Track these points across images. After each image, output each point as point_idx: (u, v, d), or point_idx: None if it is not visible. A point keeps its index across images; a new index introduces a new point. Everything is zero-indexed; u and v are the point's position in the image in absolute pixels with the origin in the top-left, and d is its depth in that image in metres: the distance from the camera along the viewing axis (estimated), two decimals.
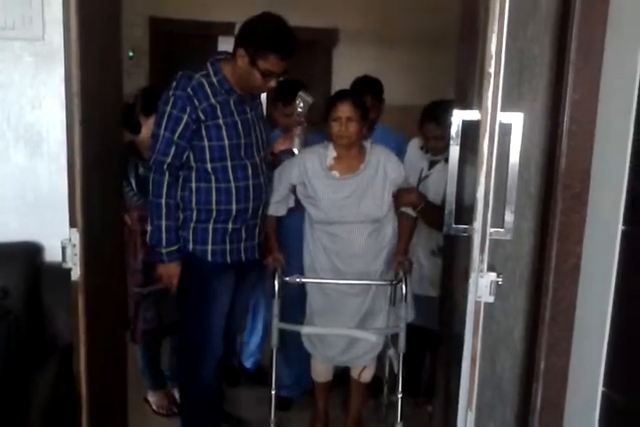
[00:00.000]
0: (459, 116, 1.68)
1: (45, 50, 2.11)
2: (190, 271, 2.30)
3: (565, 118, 1.74)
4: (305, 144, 2.58)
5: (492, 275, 1.59)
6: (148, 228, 2.28)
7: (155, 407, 2.95)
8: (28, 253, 2.18)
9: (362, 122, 2.39)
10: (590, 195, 1.75)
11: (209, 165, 2.23)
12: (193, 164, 2.24)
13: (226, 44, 4.20)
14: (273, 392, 2.42)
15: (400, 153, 2.66)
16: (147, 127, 2.61)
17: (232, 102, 2.25)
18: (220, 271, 2.33)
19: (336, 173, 2.43)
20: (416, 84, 4.49)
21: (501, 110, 1.55)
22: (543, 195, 1.87)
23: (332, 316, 2.50)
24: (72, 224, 1.83)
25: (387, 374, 2.69)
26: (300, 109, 2.56)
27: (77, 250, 1.83)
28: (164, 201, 2.21)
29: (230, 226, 2.30)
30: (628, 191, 1.59)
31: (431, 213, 2.45)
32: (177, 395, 2.88)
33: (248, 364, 3.20)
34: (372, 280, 2.47)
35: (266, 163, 2.41)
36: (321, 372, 2.69)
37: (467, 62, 1.92)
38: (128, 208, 2.67)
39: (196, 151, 2.22)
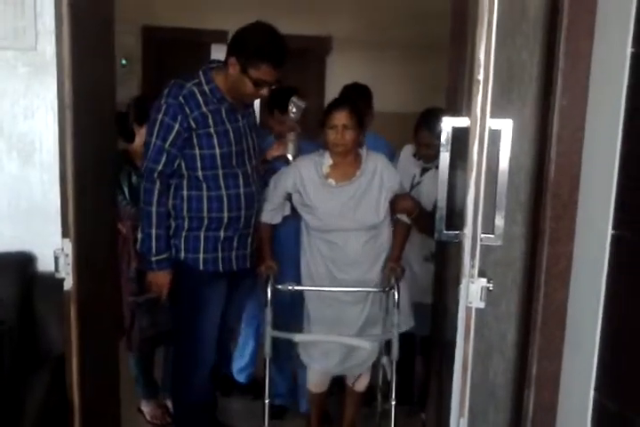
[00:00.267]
0: (449, 123, 1.69)
1: (38, 60, 2.12)
2: (182, 280, 2.30)
3: (554, 125, 1.75)
4: (299, 151, 2.58)
5: (483, 280, 1.60)
6: (139, 235, 2.28)
7: (148, 417, 2.94)
8: (21, 262, 2.18)
9: (358, 130, 2.39)
10: (580, 199, 1.77)
11: (200, 173, 2.24)
12: (184, 172, 2.24)
13: (218, 52, 4.22)
14: (266, 401, 2.42)
15: (390, 160, 2.68)
16: (140, 136, 2.61)
17: (224, 111, 2.26)
18: (211, 280, 2.33)
19: (332, 181, 2.43)
20: (409, 91, 4.52)
21: (491, 117, 1.57)
22: (533, 201, 1.89)
23: (332, 325, 2.48)
24: (64, 234, 1.84)
25: (380, 382, 2.69)
26: (292, 115, 2.57)
27: (70, 260, 1.84)
28: (154, 209, 2.21)
29: (222, 234, 2.30)
30: (617, 195, 1.60)
31: (424, 220, 2.46)
32: (170, 405, 2.87)
33: (241, 378, 3.17)
34: (370, 288, 2.46)
35: (257, 171, 2.41)
36: (318, 383, 2.67)
37: (457, 70, 1.94)
38: (122, 217, 2.67)
39: (188, 159, 2.23)
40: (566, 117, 1.74)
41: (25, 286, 2.13)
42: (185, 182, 2.25)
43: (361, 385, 2.66)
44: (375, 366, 2.66)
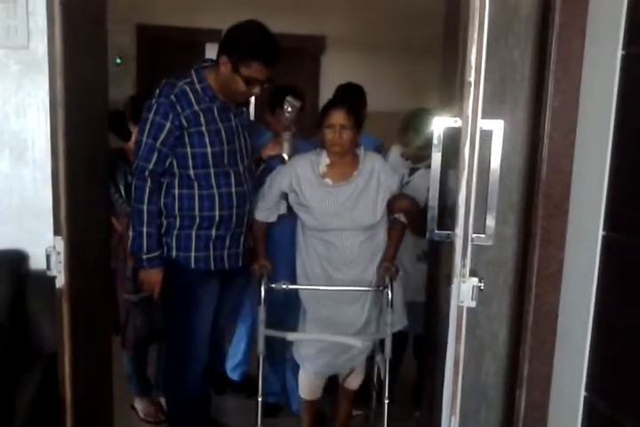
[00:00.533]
0: (441, 124, 1.70)
1: (30, 59, 2.11)
2: (174, 278, 2.30)
3: (546, 125, 1.76)
4: (294, 150, 2.58)
5: (474, 280, 1.60)
6: (130, 233, 2.28)
7: (142, 415, 2.94)
8: (13, 260, 2.17)
9: (355, 130, 2.39)
10: (571, 201, 1.78)
11: (192, 172, 2.24)
12: (176, 170, 2.24)
13: (213, 51, 4.17)
14: (259, 399, 2.42)
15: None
16: (136, 134, 2.61)
17: (216, 109, 2.26)
18: (203, 278, 2.33)
19: (329, 181, 2.42)
20: (403, 91, 4.53)
21: (483, 118, 1.57)
22: (525, 201, 1.89)
23: (327, 325, 2.47)
24: (56, 232, 1.84)
25: (375, 381, 2.69)
26: (287, 114, 2.57)
27: (62, 258, 1.84)
28: (145, 207, 2.21)
29: (214, 233, 2.30)
30: (607, 197, 1.61)
31: (418, 220, 2.47)
32: (163, 402, 2.87)
33: (234, 376, 3.17)
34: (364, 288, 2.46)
35: (250, 170, 2.41)
36: (310, 388, 2.64)
37: (450, 70, 1.95)
38: (118, 215, 2.67)
39: (180, 158, 2.23)
40: (558, 118, 1.75)
41: (17, 283, 2.12)
42: (176, 181, 2.25)
43: (353, 383, 2.66)
44: (369, 365, 2.66)
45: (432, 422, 2.02)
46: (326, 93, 3.21)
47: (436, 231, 1.75)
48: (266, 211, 2.49)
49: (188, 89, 2.21)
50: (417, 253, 2.73)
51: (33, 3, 2.07)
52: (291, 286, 2.46)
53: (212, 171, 2.25)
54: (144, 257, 2.25)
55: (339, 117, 2.35)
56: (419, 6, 4.12)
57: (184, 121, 2.18)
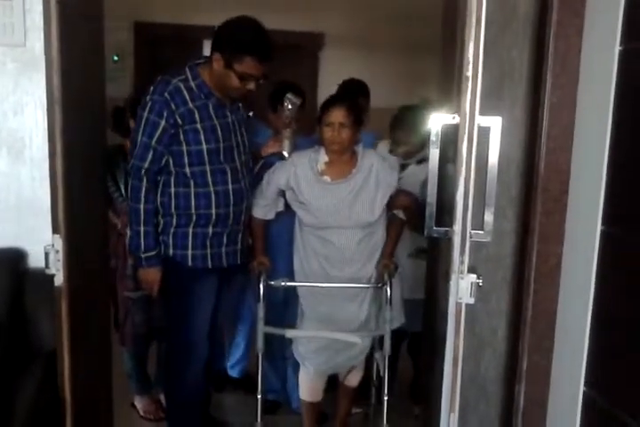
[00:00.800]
0: (438, 120, 1.69)
1: (27, 56, 2.10)
2: (171, 276, 2.30)
3: (544, 122, 1.76)
4: (295, 147, 2.57)
5: (473, 276, 1.61)
6: (127, 233, 2.28)
7: (142, 413, 2.95)
8: (12, 259, 2.17)
9: (355, 127, 2.36)
10: (569, 196, 1.78)
11: (188, 170, 2.23)
12: (172, 169, 2.24)
13: None
14: (259, 396, 2.42)
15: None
16: None
17: (211, 106, 2.25)
18: (201, 276, 2.33)
19: (327, 178, 2.40)
20: (401, 87, 4.51)
21: (481, 114, 1.57)
22: (523, 197, 1.89)
23: (325, 322, 2.47)
24: (55, 230, 1.84)
25: (374, 378, 2.70)
26: (287, 112, 2.56)
27: (60, 256, 1.84)
28: (142, 206, 2.21)
29: (210, 230, 2.29)
30: (606, 192, 1.61)
31: (414, 216, 2.47)
32: (163, 400, 2.87)
33: (234, 373, 3.18)
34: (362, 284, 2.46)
35: (248, 167, 2.40)
36: (311, 389, 2.63)
37: (449, 67, 1.95)
38: (118, 212, 2.67)
39: (175, 156, 2.23)
40: (556, 114, 1.75)
41: (16, 282, 2.12)
42: (173, 179, 2.25)
43: (353, 381, 2.67)
44: (369, 362, 2.67)
45: (431, 419, 2.02)
46: (325, 90, 3.20)
47: (435, 228, 1.75)
48: (263, 208, 2.48)
49: (182, 86, 2.20)
50: (409, 249, 2.73)
51: (30, 0, 2.06)
52: (289, 284, 2.46)
53: (207, 168, 2.24)
54: (142, 256, 2.25)
55: (338, 115, 2.33)
56: (417, 3, 4.11)
57: (179, 118, 2.18)
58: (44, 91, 1.82)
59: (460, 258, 1.59)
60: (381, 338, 2.42)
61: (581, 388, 1.69)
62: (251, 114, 2.54)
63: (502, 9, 1.82)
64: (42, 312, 2.10)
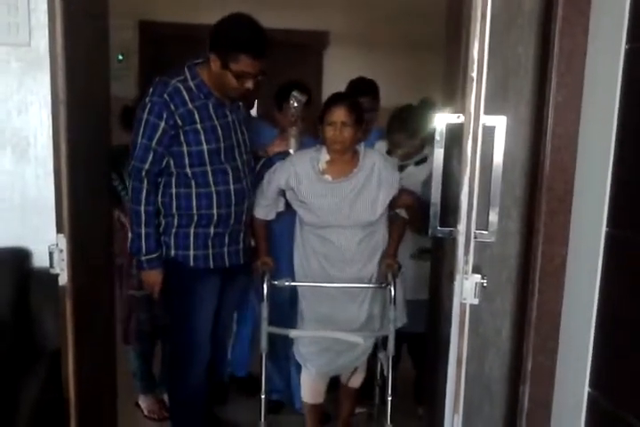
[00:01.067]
0: (443, 119, 1.69)
1: (31, 56, 2.11)
2: (173, 277, 2.30)
3: (549, 121, 1.75)
4: (301, 146, 2.55)
5: (477, 277, 1.60)
6: (129, 235, 2.28)
7: (146, 412, 2.95)
8: (17, 258, 2.18)
9: (356, 126, 2.35)
10: (574, 197, 1.77)
11: (188, 170, 2.23)
12: (173, 169, 2.23)
13: None
14: (263, 396, 2.42)
15: None
16: None
17: (211, 106, 2.25)
18: (203, 276, 2.32)
19: (328, 177, 2.39)
20: (405, 86, 4.49)
21: (486, 113, 1.57)
22: (528, 197, 1.88)
23: (325, 322, 2.45)
24: (59, 230, 1.84)
25: (378, 378, 2.69)
26: (293, 109, 2.55)
27: (64, 255, 1.84)
28: (143, 208, 2.21)
29: (212, 231, 2.29)
30: (611, 193, 1.60)
31: (417, 215, 2.46)
32: (166, 399, 2.87)
33: (240, 372, 3.17)
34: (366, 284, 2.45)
35: (249, 166, 2.39)
36: (313, 391, 2.62)
37: (453, 66, 1.94)
38: (125, 212, 2.66)
39: (176, 157, 2.22)
40: (561, 113, 1.74)
41: (20, 281, 2.13)
42: (174, 180, 2.24)
43: (355, 382, 2.66)
44: (372, 362, 2.66)
45: (435, 419, 2.02)
46: (329, 89, 3.19)
47: (439, 228, 1.74)
48: (265, 208, 2.47)
49: (181, 87, 2.19)
50: (411, 250, 2.72)
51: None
52: (293, 283, 2.45)
53: (208, 168, 2.24)
54: (143, 258, 2.24)
55: (340, 115, 2.32)
56: (421, 2, 4.10)
57: (178, 119, 2.17)
58: (49, 90, 1.82)
59: (464, 258, 1.58)
60: (385, 338, 2.41)
61: (586, 389, 1.68)
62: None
63: (507, 6, 1.81)
64: (46, 312, 2.10)
